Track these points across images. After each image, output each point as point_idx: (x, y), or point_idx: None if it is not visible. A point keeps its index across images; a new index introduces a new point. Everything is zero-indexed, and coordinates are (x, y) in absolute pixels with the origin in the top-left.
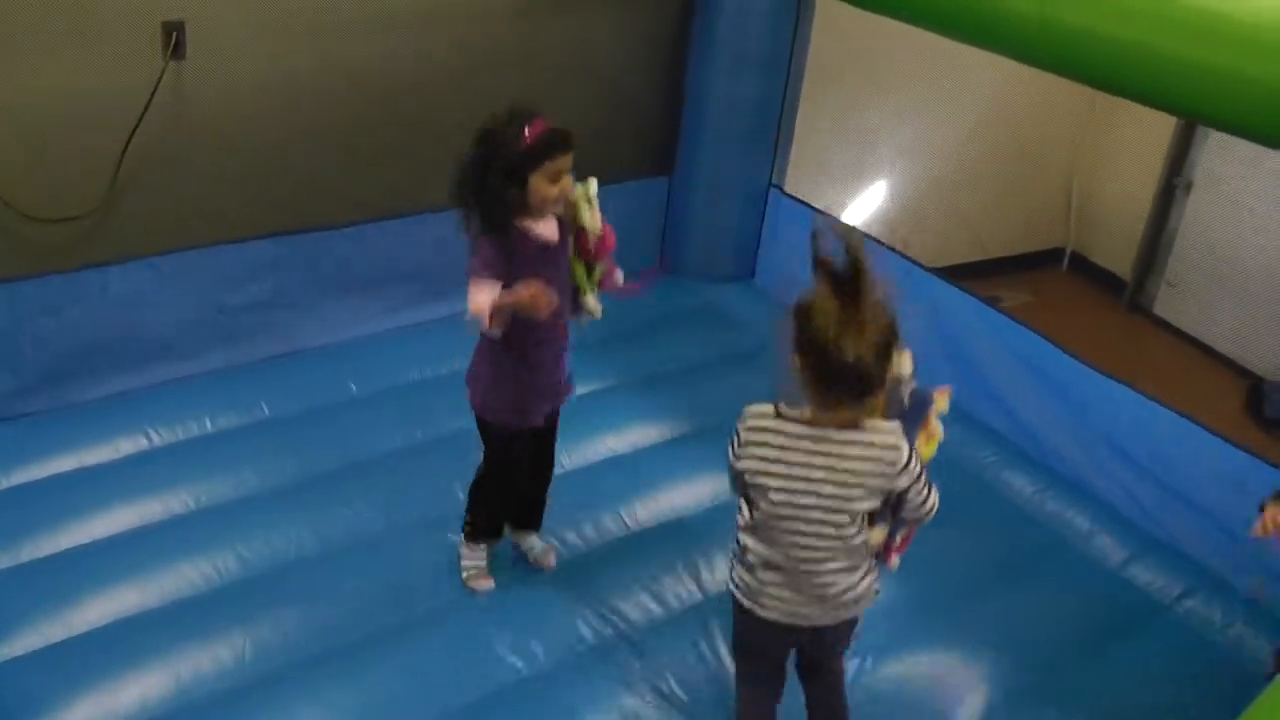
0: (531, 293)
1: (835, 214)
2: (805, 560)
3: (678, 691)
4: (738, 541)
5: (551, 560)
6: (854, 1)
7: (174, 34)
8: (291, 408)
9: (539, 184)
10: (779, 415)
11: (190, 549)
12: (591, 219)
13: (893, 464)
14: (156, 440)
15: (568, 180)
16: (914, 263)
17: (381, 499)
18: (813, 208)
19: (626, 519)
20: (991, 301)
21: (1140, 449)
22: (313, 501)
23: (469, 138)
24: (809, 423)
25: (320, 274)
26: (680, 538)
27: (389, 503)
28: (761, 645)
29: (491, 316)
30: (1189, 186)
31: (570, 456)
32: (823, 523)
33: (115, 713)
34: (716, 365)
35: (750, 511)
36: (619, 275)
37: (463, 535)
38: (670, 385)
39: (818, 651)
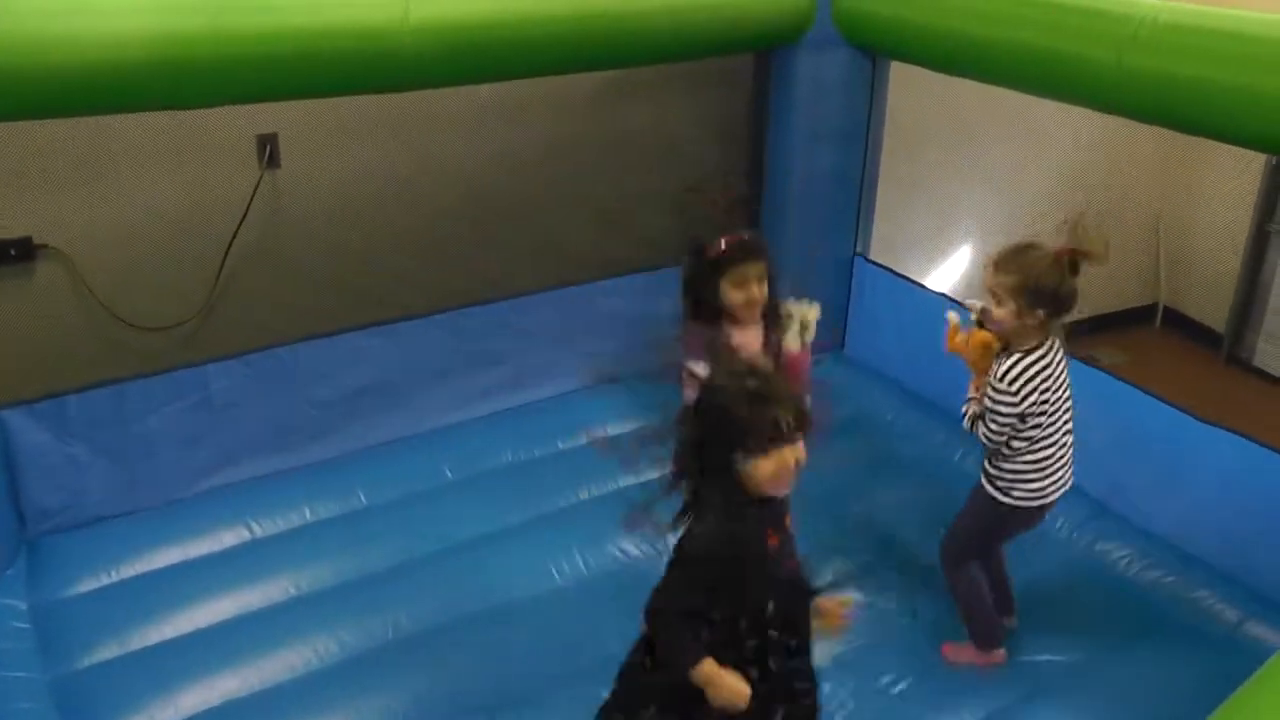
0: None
1: (920, 279)
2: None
3: None
4: (1016, 469)
5: None
6: (930, 64)
7: (268, 146)
8: (387, 495)
9: (726, 289)
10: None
11: (290, 634)
12: (792, 338)
13: None
14: (258, 531)
15: (756, 288)
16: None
17: (478, 580)
18: (898, 275)
19: None
20: (1089, 362)
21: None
22: (410, 585)
23: (553, 224)
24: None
25: (410, 363)
26: None
27: (485, 584)
28: (1020, 530)
29: None
30: None
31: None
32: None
33: None
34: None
35: (1025, 436)
36: None
37: None
38: None
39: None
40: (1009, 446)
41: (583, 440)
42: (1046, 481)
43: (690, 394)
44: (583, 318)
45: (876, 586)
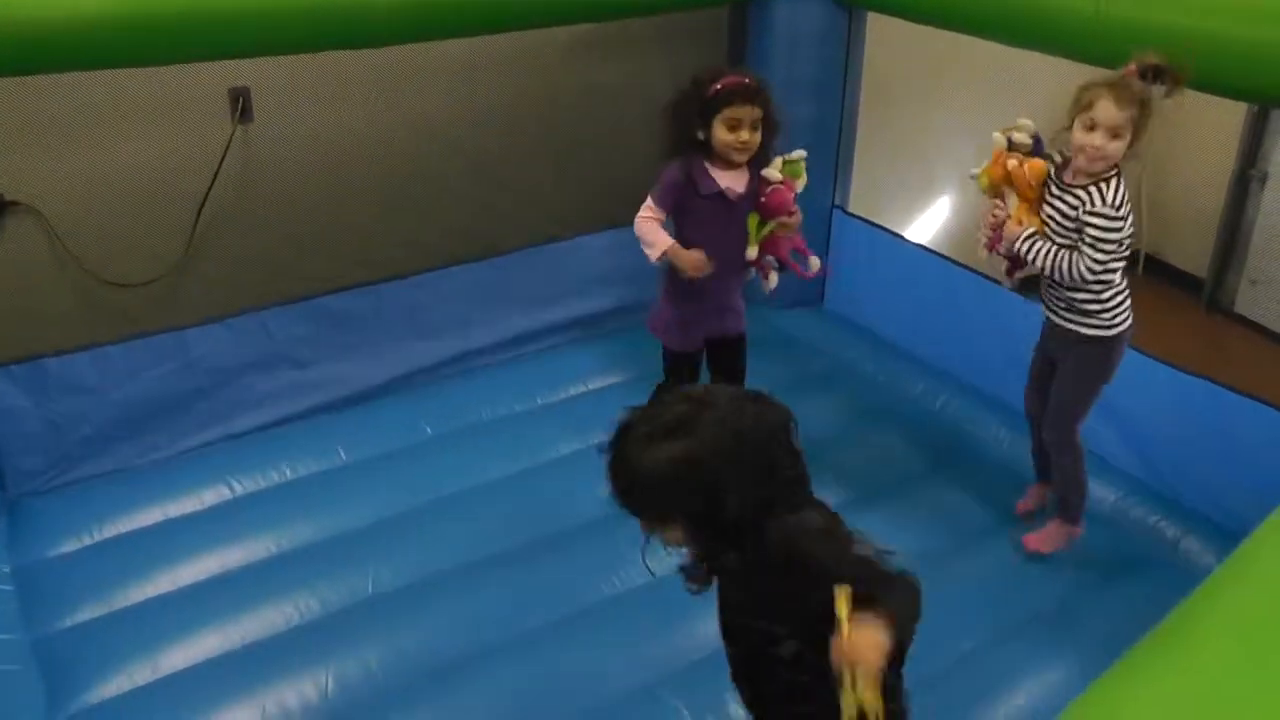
0: (693, 259)
1: (899, 231)
2: None
3: None
4: (1115, 294)
5: None
6: (907, 15)
7: (240, 99)
8: (367, 452)
9: (718, 129)
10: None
11: (272, 592)
12: (770, 171)
13: None
14: (239, 490)
15: (749, 134)
16: (982, 275)
17: (456, 536)
18: (877, 226)
19: None
20: None
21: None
22: (389, 541)
23: (530, 180)
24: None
25: (388, 321)
26: None
27: (464, 539)
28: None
29: (655, 248)
30: (1264, 178)
31: None
32: None
33: None
34: (789, 390)
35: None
36: (814, 261)
37: None
38: None
39: None
40: (1109, 272)
41: (562, 395)
42: (1130, 298)
43: (647, 230)
44: (560, 273)
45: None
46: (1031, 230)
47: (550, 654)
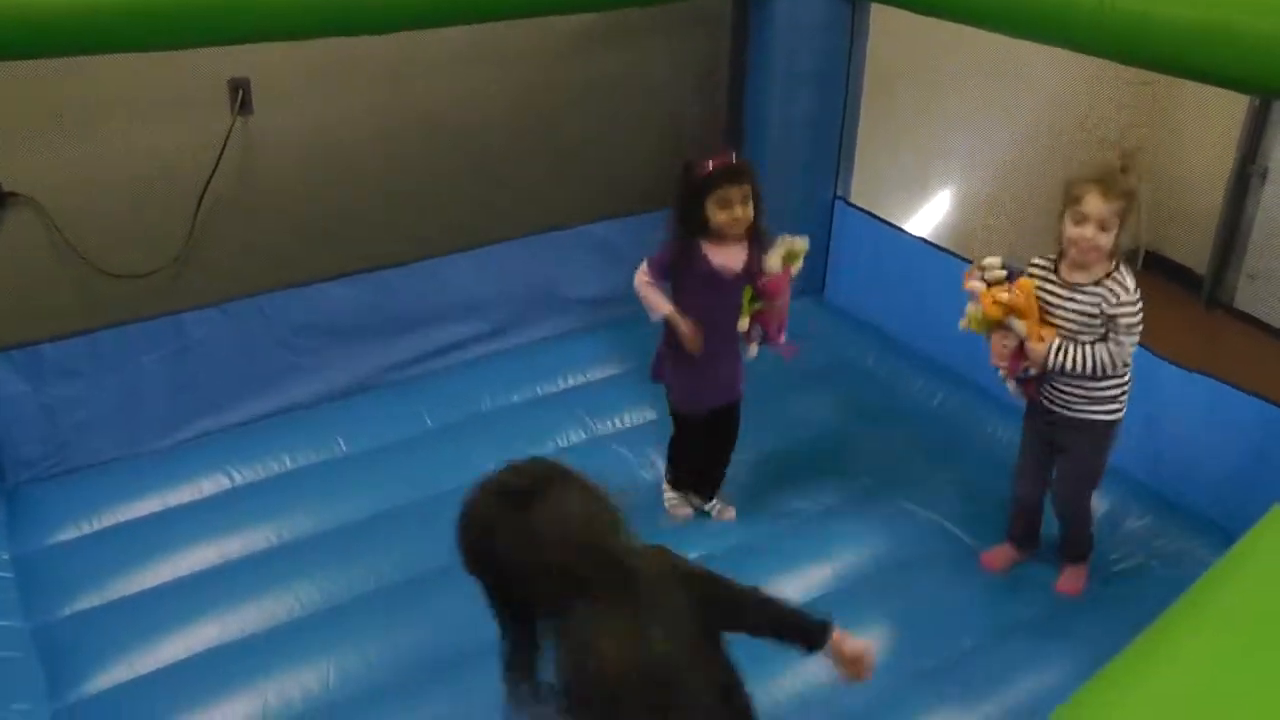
0: (689, 333)
1: (900, 223)
2: None
3: None
4: (1123, 377)
5: (731, 514)
6: (911, 7)
7: (240, 90)
8: (367, 442)
9: (710, 208)
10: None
11: (272, 582)
12: (771, 262)
13: None
14: (238, 479)
15: (740, 209)
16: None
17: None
18: (879, 218)
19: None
20: None
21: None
22: (390, 531)
23: (530, 170)
24: None
25: (388, 311)
26: (756, 553)
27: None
28: None
29: (655, 311)
30: (1265, 174)
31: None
32: None
33: None
34: (788, 383)
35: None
36: (783, 340)
37: (667, 482)
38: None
39: None
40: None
41: (562, 385)
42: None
43: (647, 293)
44: (560, 264)
45: (861, 527)
46: (1057, 342)
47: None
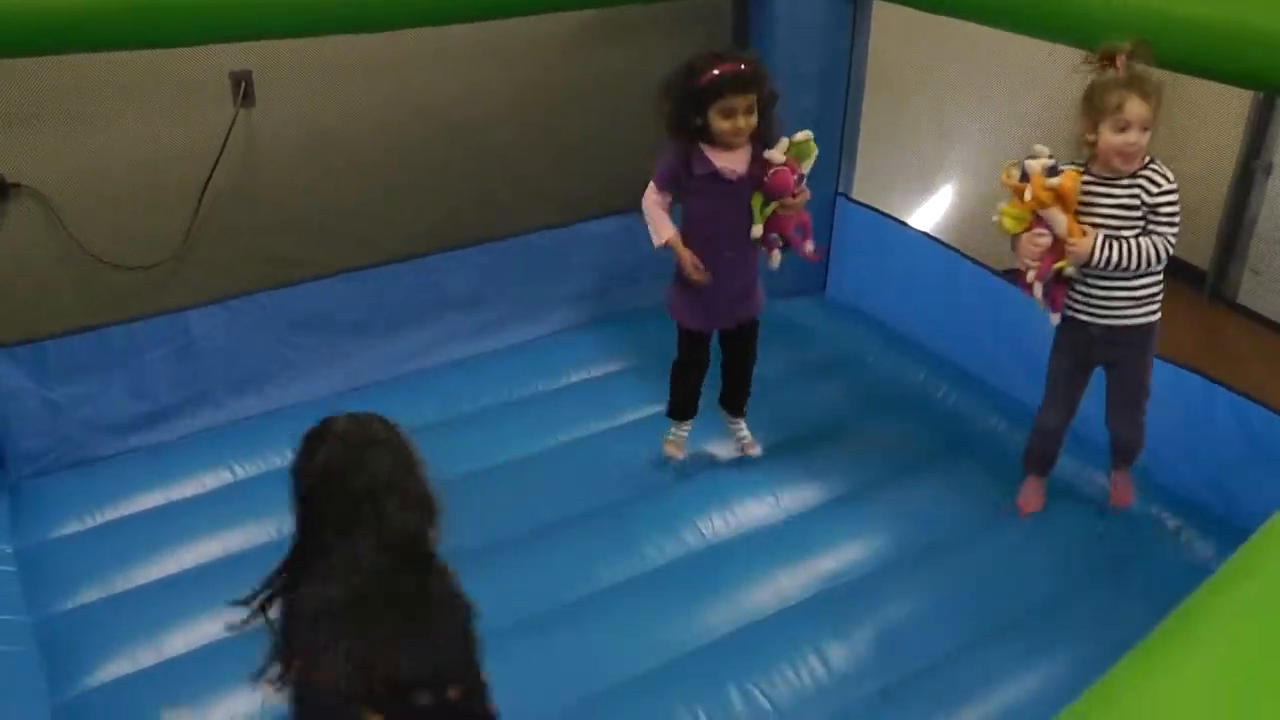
0: (689, 264)
1: (903, 218)
2: None
3: None
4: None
5: (757, 450)
6: (913, 3)
7: (242, 83)
8: None
9: (714, 118)
10: None
11: None
12: (774, 154)
13: None
14: (240, 473)
15: (744, 119)
16: (984, 266)
17: (460, 521)
18: (881, 213)
19: (704, 531)
20: None
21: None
22: None
23: (531, 166)
24: None
25: (389, 307)
26: (757, 548)
27: (465, 525)
28: None
29: (658, 235)
30: (1269, 168)
31: (647, 470)
32: None
33: None
34: (791, 379)
35: None
36: (809, 245)
37: (667, 414)
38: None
39: None
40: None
41: (561, 383)
42: None
43: (653, 214)
44: (560, 261)
45: (865, 519)
46: (1101, 236)
47: (560, 637)
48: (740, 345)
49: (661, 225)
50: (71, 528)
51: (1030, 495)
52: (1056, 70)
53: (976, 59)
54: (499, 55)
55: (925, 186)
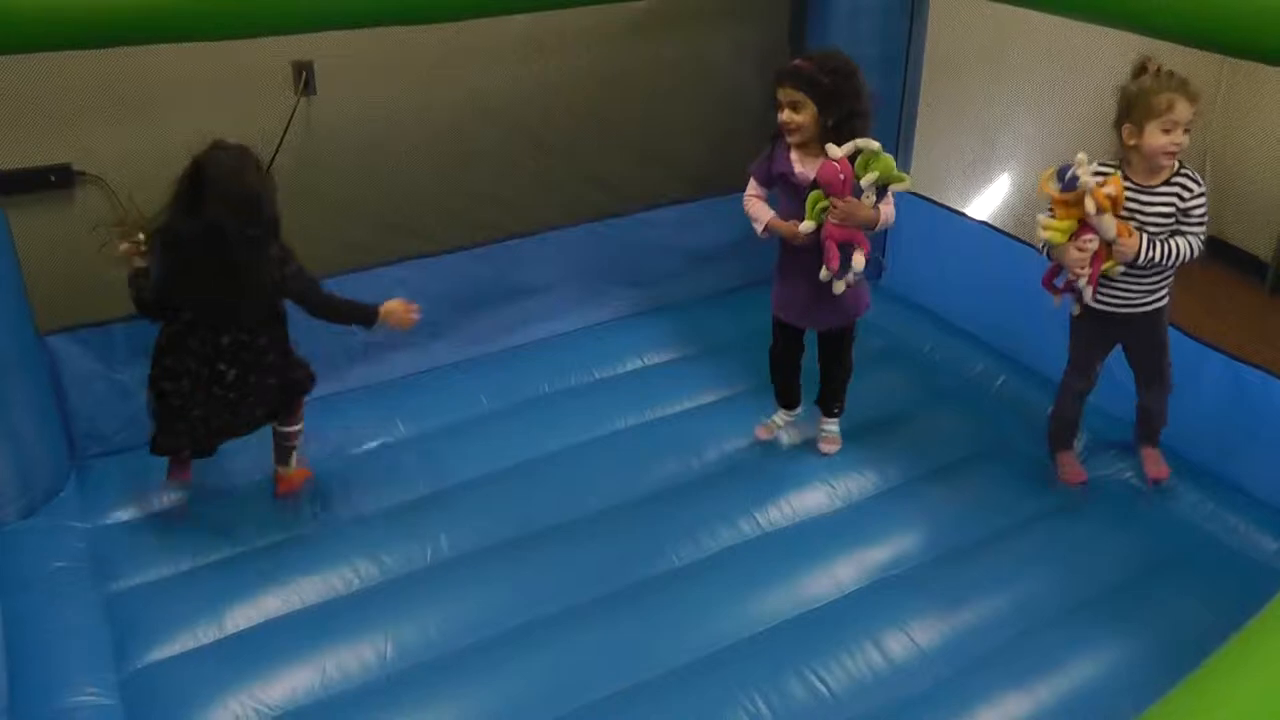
0: (788, 230)
1: (960, 208)
2: None
3: None
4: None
5: (831, 449)
6: None
7: (304, 72)
8: (425, 424)
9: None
10: None
11: (332, 556)
12: (833, 148)
13: None
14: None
15: (788, 114)
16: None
17: (514, 507)
18: (937, 203)
19: (760, 520)
20: None
21: None
22: (445, 509)
23: (590, 156)
24: None
25: (448, 295)
26: (814, 537)
27: (521, 511)
28: None
29: (757, 222)
30: None
31: (703, 458)
32: None
33: (266, 703)
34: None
35: None
36: (859, 257)
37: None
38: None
39: None
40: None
41: (620, 370)
42: None
43: (751, 206)
44: (620, 249)
45: (922, 509)
46: (1145, 237)
47: (603, 627)
48: (829, 350)
49: (759, 212)
50: (136, 508)
51: (1070, 468)
52: (1115, 58)
53: (1036, 45)
54: (557, 44)
55: (983, 175)
